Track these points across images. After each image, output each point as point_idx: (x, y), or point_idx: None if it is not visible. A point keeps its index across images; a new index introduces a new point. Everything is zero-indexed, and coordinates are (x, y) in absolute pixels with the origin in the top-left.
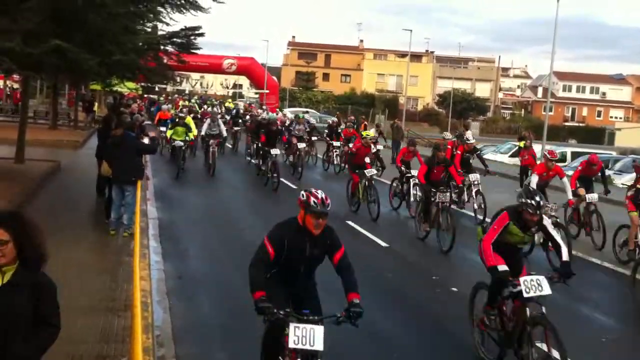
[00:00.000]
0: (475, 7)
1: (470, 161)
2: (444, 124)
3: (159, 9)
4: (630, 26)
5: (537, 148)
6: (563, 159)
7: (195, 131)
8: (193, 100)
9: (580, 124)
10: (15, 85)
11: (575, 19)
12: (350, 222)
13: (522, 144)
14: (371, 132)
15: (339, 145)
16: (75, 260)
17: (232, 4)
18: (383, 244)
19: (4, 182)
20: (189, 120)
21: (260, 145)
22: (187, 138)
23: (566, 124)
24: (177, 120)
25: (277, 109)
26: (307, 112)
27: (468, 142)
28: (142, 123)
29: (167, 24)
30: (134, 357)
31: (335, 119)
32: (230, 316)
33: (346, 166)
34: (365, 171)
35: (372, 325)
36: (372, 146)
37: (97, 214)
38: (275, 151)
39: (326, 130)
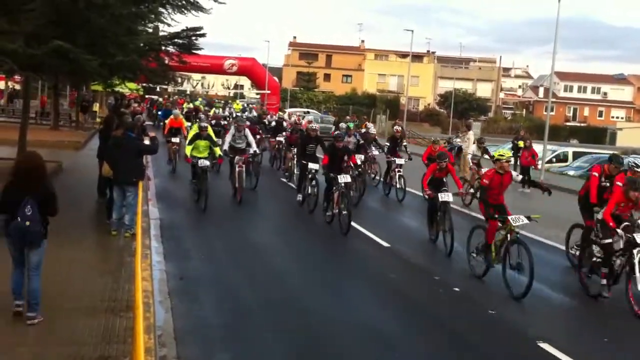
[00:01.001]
0: (477, 7)
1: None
2: (445, 124)
3: (161, 9)
4: (632, 26)
5: (538, 148)
6: (565, 159)
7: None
8: (198, 102)
9: (582, 124)
10: (19, 87)
11: (576, 19)
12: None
13: (521, 143)
14: (505, 151)
15: (402, 162)
16: (77, 261)
17: (233, 4)
18: (385, 244)
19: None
20: (211, 131)
21: (309, 168)
22: (214, 155)
23: (568, 124)
24: (200, 129)
25: (279, 110)
26: (308, 112)
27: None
28: (143, 124)
29: (169, 25)
30: (136, 357)
31: (399, 128)
32: (232, 316)
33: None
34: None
35: (373, 324)
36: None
37: (99, 215)
38: (345, 179)
39: (387, 144)
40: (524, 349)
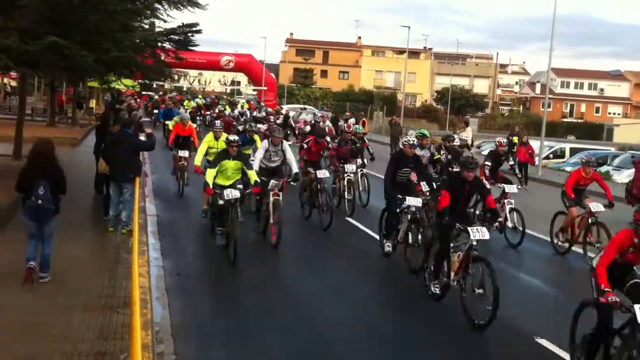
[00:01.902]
0: (474, 4)
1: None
2: (442, 121)
3: (156, 5)
4: (628, 23)
5: (535, 144)
6: (562, 155)
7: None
8: (197, 100)
9: (579, 120)
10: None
11: (573, 15)
12: (349, 219)
13: (515, 139)
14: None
15: (514, 190)
16: (74, 258)
17: (229, 0)
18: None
19: (2, 179)
20: (257, 139)
21: (406, 204)
22: (246, 183)
23: (565, 120)
24: (229, 144)
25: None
26: (304, 108)
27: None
28: (139, 120)
29: (165, 21)
30: (133, 353)
31: (504, 141)
32: (229, 313)
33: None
34: None
35: (373, 323)
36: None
37: (96, 212)
38: (482, 235)
39: (488, 163)
40: (521, 345)
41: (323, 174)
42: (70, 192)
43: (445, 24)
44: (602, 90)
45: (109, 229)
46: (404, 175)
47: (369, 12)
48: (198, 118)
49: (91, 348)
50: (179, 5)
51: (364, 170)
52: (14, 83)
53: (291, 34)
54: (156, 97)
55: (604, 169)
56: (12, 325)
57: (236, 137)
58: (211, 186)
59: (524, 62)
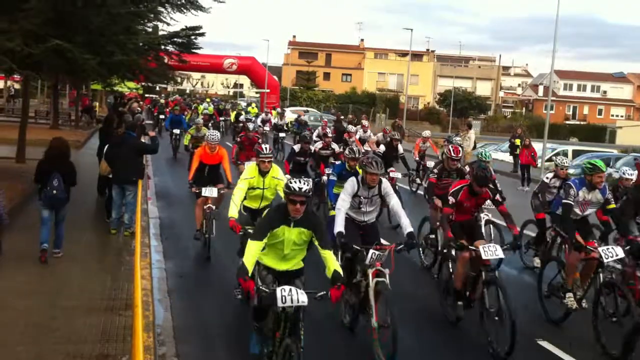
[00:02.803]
0: (476, 6)
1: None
2: (444, 123)
3: (160, 8)
4: (631, 24)
5: (537, 146)
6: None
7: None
8: (206, 105)
9: (582, 123)
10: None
11: (576, 17)
12: None
13: (518, 141)
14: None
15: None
16: (77, 260)
17: (232, 3)
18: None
19: (5, 182)
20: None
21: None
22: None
23: (567, 122)
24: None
25: (273, 108)
26: (307, 111)
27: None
28: (142, 122)
29: (168, 24)
30: (135, 356)
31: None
32: (232, 315)
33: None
34: None
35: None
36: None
37: (98, 214)
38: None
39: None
40: (523, 347)
41: (491, 252)
42: (72, 195)
43: (448, 25)
44: (605, 92)
45: (111, 231)
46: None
47: (370, 12)
48: (210, 126)
49: (93, 350)
50: (182, 9)
51: (490, 216)
52: (17, 86)
53: (294, 36)
54: (162, 100)
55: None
56: (16, 326)
57: (307, 184)
58: (250, 272)
59: (527, 64)
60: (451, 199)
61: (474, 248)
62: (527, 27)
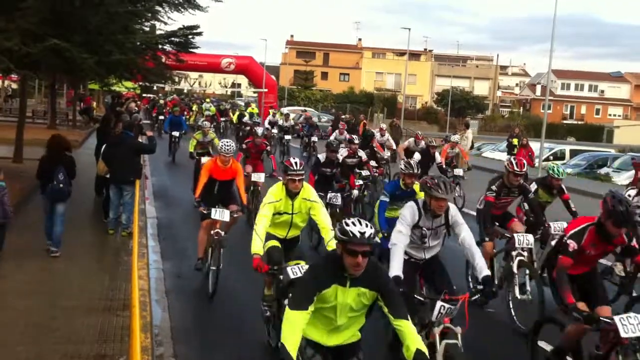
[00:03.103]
0: (476, 5)
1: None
2: (442, 123)
3: (157, 8)
4: (629, 24)
5: (535, 146)
6: (562, 157)
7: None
8: (208, 105)
9: (579, 122)
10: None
11: (573, 16)
12: None
13: (515, 141)
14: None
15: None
16: (74, 260)
17: (230, 3)
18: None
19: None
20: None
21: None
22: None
23: (565, 121)
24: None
25: (271, 107)
26: (305, 110)
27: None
28: (140, 122)
29: (165, 23)
30: (133, 356)
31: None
32: (229, 315)
33: None
34: None
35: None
36: None
37: (96, 214)
38: None
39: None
40: (523, 347)
41: (633, 326)
42: (71, 194)
43: (447, 25)
44: (602, 91)
45: (109, 231)
46: None
47: (369, 12)
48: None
49: (91, 350)
50: (180, 8)
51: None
52: (14, 85)
53: (292, 36)
54: (161, 101)
55: (604, 170)
56: (16, 326)
57: (369, 227)
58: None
59: (524, 64)
60: (572, 244)
61: (608, 320)
62: (526, 27)
